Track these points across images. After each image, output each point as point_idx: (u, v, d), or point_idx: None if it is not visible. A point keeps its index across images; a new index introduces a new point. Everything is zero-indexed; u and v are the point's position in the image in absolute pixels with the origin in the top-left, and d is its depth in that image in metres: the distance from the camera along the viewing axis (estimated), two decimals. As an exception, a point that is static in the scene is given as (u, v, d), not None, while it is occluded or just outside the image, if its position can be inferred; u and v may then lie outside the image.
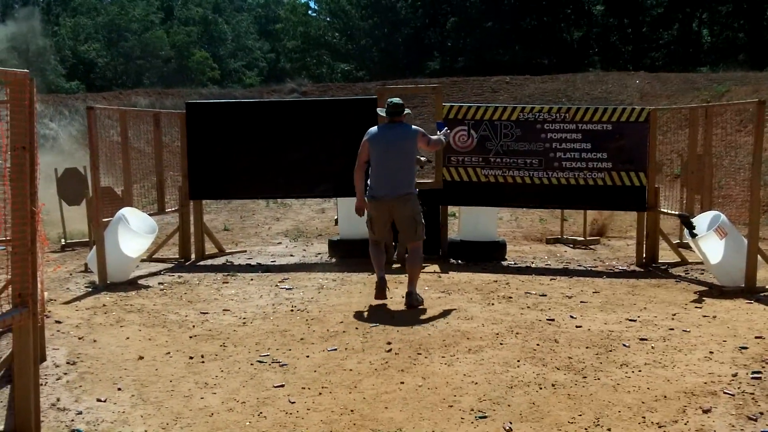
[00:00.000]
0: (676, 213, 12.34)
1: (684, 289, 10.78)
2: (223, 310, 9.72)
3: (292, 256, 13.99)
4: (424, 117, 28.11)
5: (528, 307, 9.66)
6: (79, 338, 8.39)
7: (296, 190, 13.76)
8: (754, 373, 6.92)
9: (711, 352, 7.60)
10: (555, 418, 5.90)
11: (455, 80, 37.69)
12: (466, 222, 13.42)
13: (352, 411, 6.13)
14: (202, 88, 46.01)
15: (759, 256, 10.51)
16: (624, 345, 7.86)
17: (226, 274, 12.07)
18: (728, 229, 10.71)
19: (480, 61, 52.80)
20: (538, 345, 7.90)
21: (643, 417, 5.89)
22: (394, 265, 12.33)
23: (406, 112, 10.13)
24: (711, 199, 12.28)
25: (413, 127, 10.04)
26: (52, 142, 26.98)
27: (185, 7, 77.46)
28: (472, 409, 6.11)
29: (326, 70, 63.48)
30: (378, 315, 9.28)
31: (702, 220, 11.19)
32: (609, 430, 5.66)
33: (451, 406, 6.19)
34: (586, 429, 5.68)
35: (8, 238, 5.89)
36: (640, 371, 7.03)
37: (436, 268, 12.29)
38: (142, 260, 12.54)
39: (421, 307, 9.67)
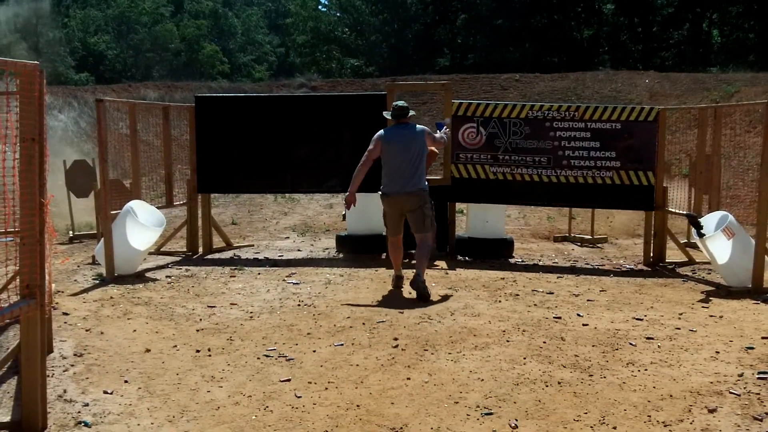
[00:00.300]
0: (684, 213, 12.34)
1: (691, 288, 10.77)
2: (230, 303, 9.73)
3: (299, 250, 13.99)
4: (433, 113, 28.08)
5: (535, 304, 9.65)
6: (87, 330, 8.41)
7: (304, 185, 13.76)
8: (760, 373, 6.91)
9: (717, 352, 7.59)
10: (561, 415, 5.91)
11: (465, 77, 37.66)
12: (473, 219, 13.41)
13: (358, 406, 6.14)
14: (211, 82, 46.03)
15: (766, 257, 10.49)
16: (630, 344, 7.86)
17: (233, 268, 12.08)
18: (736, 229, 10.70)
19: (490, 58, 52.79)
20: (544, 343, 7.90)
21: (649, 416, 5.89)
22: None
23: (411, 113, 10.68)
24: (719, 199, 12.28)
25: (419, 126, 10.57)
26: (61, 133, 26.99)
27: (195, 0, 77.45)
28: (478, 406, 6.11)
29: (336, 65, 63.43)
30: (385, 311, 9.28)
31: (710, 220, 11.17)
32: (615, 428, 5.66)
33: (457, 403, 6.20)
34: (591, 427, 5.68)
35: (17, 229, 5.90)
36: (646, 370, 7.03)
37: (443, 264, 12.29)
38: (150, 253, 12.56)
39: (428, 303, 9.67)
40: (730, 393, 6.40)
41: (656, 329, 8.44)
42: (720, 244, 10.65)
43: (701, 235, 10.84)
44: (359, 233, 13.19)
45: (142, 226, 11.32)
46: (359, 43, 63.32)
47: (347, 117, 13.13)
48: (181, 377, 6.91)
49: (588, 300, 9.95)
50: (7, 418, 5.85)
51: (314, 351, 7.67)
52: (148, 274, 11.52)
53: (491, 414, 5.94)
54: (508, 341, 7.96)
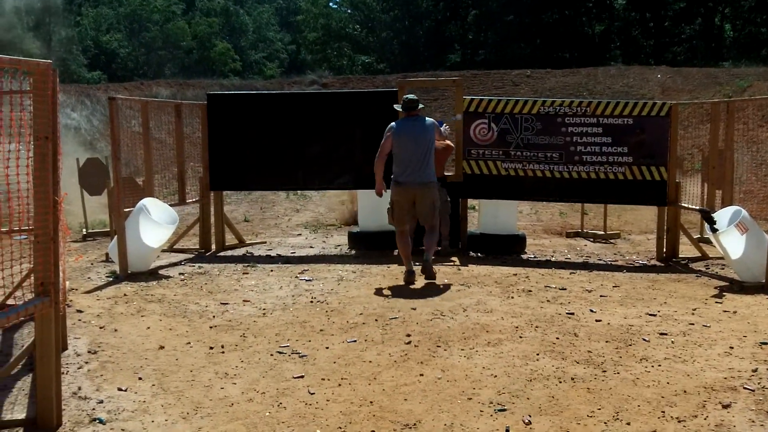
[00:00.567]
0: (697, 208, 12.31)
1: (704, 284, 10.75)
2: (243, 300, 9.75)
3: (311, 247, 14.01)
4: (444, 110, 28.06)
5: (548, 300, 9.65)
6: (101, 328, 8.44)
7: (316, 182, 13.76)
8: (774, 368, 6.91)
9: (731, 348, 7.58)
10: (574, 411, 5.90)
11: (476, 73, 37.68)
12: (485, 215, 13.42)
13: (371, 402, 6.15)
14: (223, 80, 46.09)
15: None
16: (644, 339, 7.85)
17: (246, 265, 12.10)
18: (749, 224, 10.66)
19: (501, 54, 52.75)
20: (557, 339, 7.90)
21: (663, 411, 5.89)
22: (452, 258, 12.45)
23: (420, 106, 11.03)
24: (732, 194, 12.24)
25: (428, 119, 11.05)
26: (74, 132, 27.07)
27: (206, -3, 77.61)
28: (491, 402, 6.12)
29: (347, 62, 63.42)
30: (397, 307, 9.28)
31: (723, 216, 11.14)
32: (628, 424, 5.65)
33: (470, 399, 6.20)
34: (605, 423, 5.67)
35: (31, 227, 5.92)
36: (659, 366, 7.02)
37: (455, 260, 12.29)
38: (163, 250, 12.58)
39: (440, 299, 9.68)
40: (744, 388, 6.39)
41: (670, 325, 8.43)
42: (733, 239, 10.62)
43: (714, 231, 10.82)
44: (371, 230, 13.19)
45: (155, 223, 11.34)
46: (370, 39, 63.31)
47: (358, 114, 13.13)
48: (195, 374, 6.93)
49: (601, 296, 9.94)
50: (22, 416, 5.88)
51: (327, 347, 7.68)
52: (161, 272, 11.55)
53: (504, 410, 5.95)
54: (521, 337, 7.96)
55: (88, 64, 61.74)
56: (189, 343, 7.90)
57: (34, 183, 5.57)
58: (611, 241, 14.77)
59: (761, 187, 13.68)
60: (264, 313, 9.08)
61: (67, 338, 7.66)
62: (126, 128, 16.41)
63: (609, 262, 12.44)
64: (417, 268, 10.79)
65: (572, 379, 6.66)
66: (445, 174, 12.94)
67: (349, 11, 67.08)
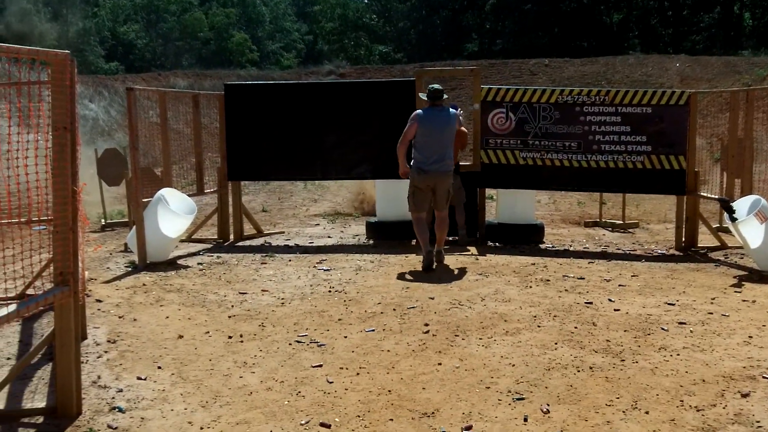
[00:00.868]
0: (716, 197, 12.27)
1: (723, 273, 10.72)
2: (262, 290, 9.77)
3: (329, 237, 14.02)
4: (462, 99, 28.01)
5: (566, 290, 9.64)
6: (120, 317, 8.47)
7: (333, 172, 13.77)
8: (793, 357, 6.90)
9: (750, 337, 7.56)
10: (592, 400, 5.90)
11: (493, 63, 37.61)
12: (503, 204, 13.40)
13: (389, 391, 6.16)
14: (240, 70, 46.11)
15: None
16: (662, 329, 7.84)
17: (264, 254, 12.12)
18: (768, 213, 10.64)
19: (518, 43, 52.60)
20: (575, 328, 7.89)
21: (681, 400, 5.88)
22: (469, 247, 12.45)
23: (445, 96, 11.20)
24: (751, 183, 12.20)
25: (452, 110, 11.23)
26: (92, 122, 27.14)
27: (223, -12, 77.72)
28: (510, 391, 6.12)
29: (364, 52, 63.35)
30: (415, 297, 9.29)
31: (742, 205, 11.10)
32: (647, 413, 5.65)
33: (489, 388, 6.20)
34: (623, 412, 5.67)
35: (50, 217, 5.95)
36: (678, 355, 7.01)
37: (473, 250, 12.29)
38: (182, 241, 12.61)
39: (458, 289, 9.68)
40: (764, 378, 6.37)
41: (688, 314, 8.41)
42: (752, 229, 10.58)
43: (733, 220, 10.77)
44: (389, 220, 13.19)
45: (174, 213, 11.36)
46: (387, 29, 63.22)
47: (376, 104, 13.13)
48: (214, 363, 6.95)
49: (619, 285, 9.92)
50: (42, 404, 5.91)
51: (345, 337, 7.69)
52: (179, 262, 11.58)
53: (523, 399, 5.94)
54: (539, 326, 7.96)
55: (106, 55, 61.95)
56: (208, 332, 7.92)
57: (52, 173, 5.59)
58: (630, 230, 14.74)
59: (781, 176, 13.61)
60: (282, 303, 9.10)
61: (86, 328, 7.69)
62: (144, 119, 16.48)
63: (627, 252, 12.42)
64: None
65: (590, 368, 6.66)
66: (462, 163, 12.92)
67: (365, 1, 67.17)
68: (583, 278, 10.30)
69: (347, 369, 6.73)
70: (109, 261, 11.67)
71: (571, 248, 12.73)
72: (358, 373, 6.61)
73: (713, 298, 9.14)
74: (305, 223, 16.04)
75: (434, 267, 11.00)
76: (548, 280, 10.16)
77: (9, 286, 8.20)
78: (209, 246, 13.05)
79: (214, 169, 14.23)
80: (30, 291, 8.64)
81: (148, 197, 11.54)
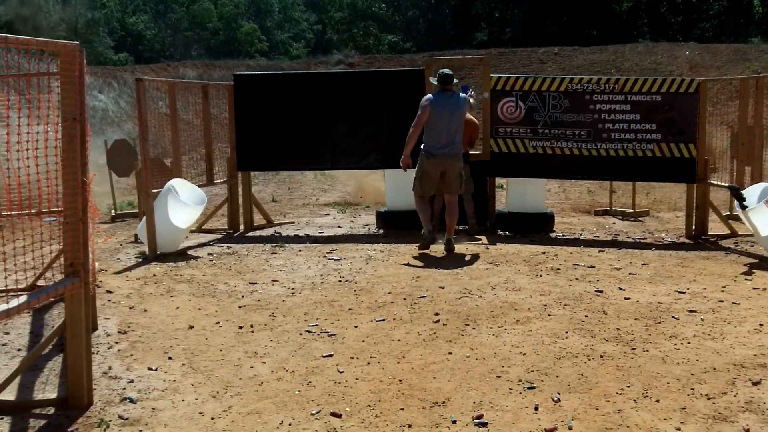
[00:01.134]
0: (726, 185, 12.24)
1: (734, 261, 10.70)
2: (272, 280, 9.77)
3: (339, 227, 14.03)
4: (472, 88, 27.96)
5: (576, 278, 9.63)
6: (130, 308, 8.48)
7: (343, 162, 13.78)
8: (804, 345, 6.88)
9: (761, 325, 7.55)
10: (603, 389, 5.90)
11: (503, 51, 37.59)
12: (513, 193, 13.39)
13: (400, 381, 6.16)
14: (249, 60, 46.11)
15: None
16: (673, 317, 7.83)
17: (274, 245, 12.12)
18: (779, 201, 10.61)
19: (528, 32, 52.53)
20: (586, 316, 7.89)
21: (692, 389, 5.87)
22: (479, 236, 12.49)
23: (455, 81, 11.42)
24: (761, 170, 12.17)
25: (461, 95, 11.47)
26: (101, 113, 27.17)
27: (232, -22, 77.69)
28: (521, 380, 6.12)
29: (373, 41, 63.27)
30: (426, 286, 9.29)
31: (752, 192, 11.07)
32: (657, 401, 5.64)
33: (499, 377, 6.20)
34: (634, 400, 5.66)
35: (60, 208, 5.95)
36: (689, 343, 7.00)
37: (484, 239, 12.28)
38: (192, 231, 12.62)
39: (469, 278, 9.68)
40: (774, 365, 6.38)
41: (699, 302, 8.40)
42: (763, 216, 10.55)
43: (744, 207, 10.75)
44: (399, 209, 13.18)
45: (184, 204, 11.37)
46: (396, 18, 63.15)
47: (385, 93, 13.12)
48: (225, 353, 6.96)
49: (630, 273, 9.91)
50: (53, 395, 5.92)
51: (356, 326, 7.70)
52: (190, 252, 11.59)
53: (534, 388, 5.94)
54: (549, 315, 7.95)
55: (115, 46, 61.98)
56: (218, 322, 7.93)
57: (62, 164, 5.59)
58: (640, 218, 14.72)
59: (791, 164, 13.56)
60: (293, 293, 9.11)
61: (97, 318, 7.71)
62: (153, 110, 16.46)
63: (638, 240, 12.40)
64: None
65: (601, 356, 6.65)
66: (471, 152, 12.90)
67: (374, -10, 66.94)
68: (594, 267, 10.29)
69: (358, 359, 6.74)
70: (120, 252, 11.69)
71: (582, 237, 12.72)
72: (368, 363, 6.62)
73: (724, 286, 9.12)
74: (315, 213, 16.05)
75: (430, 249, 11.44)
76: (559, 269, 10.16)
77: (20, 278, 8.22)
78: (219, 236, 13.07)
79: (223, 159, 14.24)
80: (41, 282, 8.66)
81: (158, 188, 11.54)
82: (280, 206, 17.16)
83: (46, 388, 6.13)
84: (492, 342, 7.11)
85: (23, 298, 5.20)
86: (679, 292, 8.83)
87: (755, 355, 6.62)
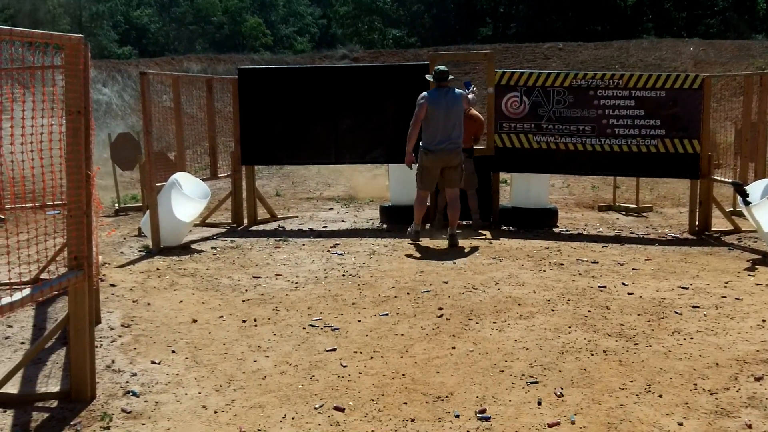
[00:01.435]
0: (730, 181, 12.23)
1: (737, 257, 10.70)
2: (276, 274, 9.78)
3: (343, 221, 14.03)
4: (476, 83, 27.80)
5: (579, 274, 9.63)
6: (134, 301, 8.49)
7: (347, 157, 13.79)
8: (808, 341, 6.88)
9: (764, 320, 7.55)
10: (606, 384, 5.90)
11: (507, 46, 37.55)
12: (517, 189, 13.39)
13: (403, 375, 6.17)
14: (253, 54, 46.09)
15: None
16: (676, 312, 7.83)
17: (278, 239, 12.13)
18: (783, 197, 10.61)
19: (532, 27, 52.48)
20: (589, 312, 7.89)
21: (695, 384, 5.87)
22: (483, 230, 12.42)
23: (450, 77, 11.66)
24: (765, 166, 12.16)
25: (457, 90, 11.60)
26: (105, 107, 27.17)
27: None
28: (523, 375, 6.12)
29: (378, 36, 63.15)
30: (429, 281, 9.29)
31: (756, 188, 11.07)
32: (660, 396, 5.64)
33: (502, 372, 6.21)
34: (637, 395, 5.67)
35: (64, 201, 5.95)
36: (692, 338, 7.00)
37: (487, 234, 12.28)
38: (195, 225, 12.63)
39: (472, 272, 9.68)
40: (777, 361, 6.38)
41: (702, 298, 8.40)
42: (766, 212, 10.55)
43: (747, 203, 10.75)
44: (403, 204, 13.18)
45: (187, 198, 11.38)
46: (401, 13, 63.06)
47: (390, 88, 13.13)
48: (228, 347, 6.97)
49: (633, 269, 9.91)
50: (56, 388, 5.93)
51: (359, 321, 7.71)
52: (193, 246, 11.60)
53: (536, 382, 5.95)
54: (552, 310, 7.96)
55: (119, 40, 61.98)
56: (222, 316, 7.94)
57: (66, 157, 5.59)
58: (643, 214, 14.72)
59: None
60: (296, 287, 9.11)
61: (100, 312, 7.71)
62: (157, 103, 16.44)
63: (641, 236, 12.40)
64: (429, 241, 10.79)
65: (604, 351, 6.65)
66: (476, 147, 12.90)
67: (379, -15, 66.85)
68: (597, 262, 10.29)
69: (361, 353, 6.74)
70: (123, 245, 11.70)
71: (585, 232, 12.71)
72: (372, 357, 6.62)
73: (727, 282, 9.12)
74: (319, 208, 16.06)
75: (433, 244, 11.60)
76: (562, 264, 10.16)
77: (23, 271, 8.22)
78: (223, 230, 13.08)
79: (227, 153, 14.25)
80: (44, 275, 8.66)
81: (162, 182, 11.55)
82: (284, 200, 17.18)
83: (50, 382, 6.14)
84: (495, 337, 7.12)
85: (26, 291, 5.20)
86: (682, 288, 8.83)
87: (758, 351, 6.62)
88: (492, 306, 8.12)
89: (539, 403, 5.55)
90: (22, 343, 7.11)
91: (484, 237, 12.08)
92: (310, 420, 5.35)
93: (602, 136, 12.53)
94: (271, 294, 8.79)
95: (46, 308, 8.09)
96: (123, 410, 5.53)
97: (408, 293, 8.71)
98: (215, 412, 5.50)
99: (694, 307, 8.02)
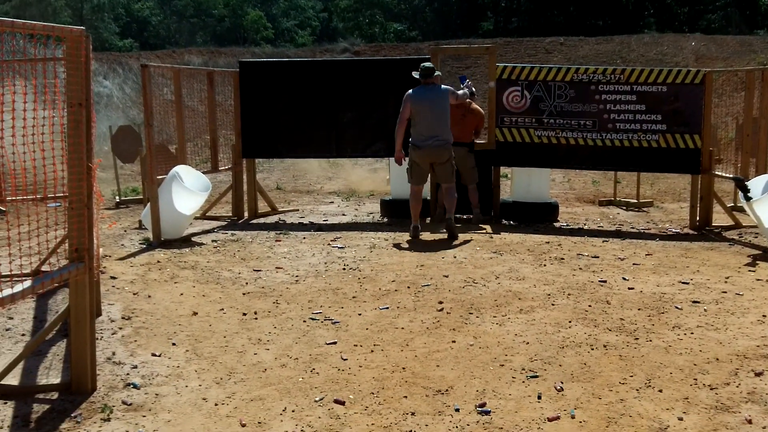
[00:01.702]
0: (731, 176, 12.23)
1: (737, 252, 10.70)
2: (276, 267, 9.79)
3: (344, 215, 14.04)
4: (477, 77, 27.93)
5: (580, 268, 9.64)
6: (134, 294, 8.50)
7: (349, 150, 13.81)
8: (808, 337, 6.88)
9: (764, 316, 7.55)
10: (606, 378, 5.91)
11: (509, 41, 37.49)
12: (518, 183, 13.39)
13: (403, 369, 6.17)
14: (254, 47, 46.05)
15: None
16: (676, 307, 7.83)
17: (278, 232, 12.13)
18: (784, 192, 10.60)
19: (534, 21, 52.45)
20: (589, 306, 7.89)
21: (695, 379, 5.88)
22: (484, 225, 12.42)
23: (436, 74, 11.79)
24: (766, 162, 12.15)
25: (443, 86, 11.76)
26: (106, 100, 27.17)
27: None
28: (524, 369, 6.13)
29: (379, 29, 63.13)
30: (430, 275, 9.30)
31: (757, 184, 11.07)
32: (660, 391, 5.65)
33: (503, 366, 6.21)
34: (637, 390, 5.67)
35: (65, 194, 5.95)
36: (692, 333, 7.00)
37: (488, 228, 12.28)
38: (196, 218, 12.63)
39: (473, 267, 9.68)
40: (778, 356, 6.38)
41: (702, 293, 8.40)
42: (767, 208, 10.56)
43: (748, 199, 10.75)
44: (403, 198, 13.17)
45: (188, 191, 11.38)
46: (402, 7, 63.01)
47: (391, 81, 13.11)
48: (228, 340, 6.97)
49: (633, 264, 9.91)
50: (57, 380, 5.93)
51: (360, 314, 7.71)
52: (194, 239, 11.61)
53: (537, 377, 5.95)
54: (553, 305, 7.96)
55: (120, 32, 61.96)
56: (222, 309, 7.95)
57: (67, 150, 5.59)
58: (644, 209, 14.71)
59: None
60: (297, 280, 9.12)
61: (101, 304, 7.71)
62: (158, 96, 16.46)
63: (642, 231, 12.40)
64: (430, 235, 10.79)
65: (604, 346, 6.66)
66: (477, 141, 12.89)
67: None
68: (598, 257, 10.29)
69: (361, 346, 6.75)
70: (124, 238, 11.71)
71: (586, 227, 12.71)
72: (372, 351, 6.63)
73: (727, 277, 9.12)
74: (319, 201, 16.07)
75: (419, 236, 11.64)
76: (562, 259, 10.16)
77: (24, 263, 8.23)
78: (223, 223, 13.09)
79: (228, 146, 14.25)
80: (45, 267, 8.66)
81: (163, 174, 11.55)
82: (285, 194, 17.18)
83: (50, 373, 6.14)
84: (495, 331, 7.12)
85: (27, 283, 5.21)
86: (683, 283, 8.83)
87: (758, 346, 6.63)
88: (492, 300, 8.12)
89: (539, 398, 5.56)
90: (23, 335, 7.12)
91: (484, 231, 12.07)
92: (311, 413, 5.35)
93: (603, 130, 12.53)
94: (272, 287, 8.80)
95: (46, 300, 8.09)
96: (123, 402, 5.53)
97: (408, 287, 8.72)
98: (215, 405, 5.51)
99: (694, 302, 8.02)
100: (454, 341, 6.84)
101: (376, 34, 61.16)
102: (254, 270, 9.66)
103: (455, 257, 10.21)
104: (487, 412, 5.31)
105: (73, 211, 5.61)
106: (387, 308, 7.88)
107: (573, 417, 5.23)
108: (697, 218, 12.54)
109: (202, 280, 9.14)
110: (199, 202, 11.77)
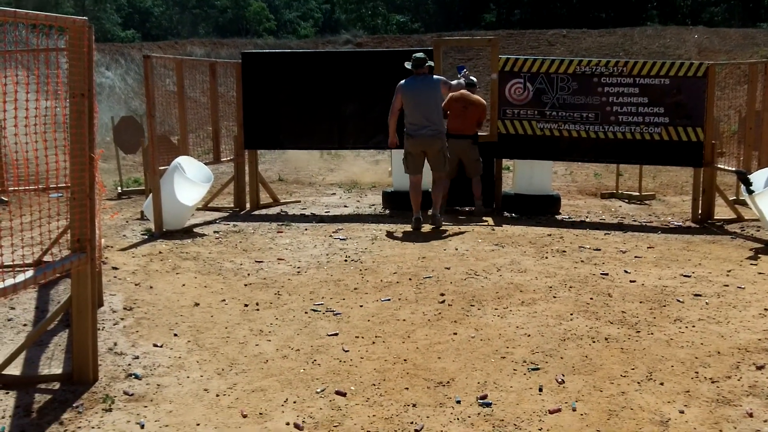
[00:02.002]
0: (733, 169, 12.22)
1: (739, 245, 10.69)
2: (278, 259, 9.79)
3: (345, 207, 14.04)
4: (480, 69, 27.89)
5: (582, 261, 9.63)
6: (136, 284, 8.50)
7: (351, 141, 13.82)
8: (809, 330, 6.88)
9: (766, 309, 7.55)
10: (608, 371, 5.91)
11: (511, 33, 37.39)
12: (520, 175, 13.38)
13: (405, 360, 6.17)
14: (257, 39, 46.00)
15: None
16: (678, 300, 7.83)
17: (280, 223, 12.13)
18: (786, 186, 10.60)
19: (537, 13, 52.33)
20: (591, 299, 7.90)
21: (696, 372, 5.88)
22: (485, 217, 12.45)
23: (428, 64, 11.90)
24: (769, 155, 12.16)
25: (435, 76, 11.85)
26: (108, 90, 27.15)
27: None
28: (525, 361, 6.13)
29: (381, 21, 63.02)
30: (431, 267, 9.29)
31: (759, 177, 11.07)
32: (662, 384, 5.65)
33: (504, 358, 6.22)
34: (638, 383, 5.67)
35: (67, 184, 5.95)
36: (693, 327, 7.00)
37: (490, 221, 12.28)
38: (198, 209, 12.63)
39: (474, 259, 9.69)
40: (779, 350, 6.38)
41: (704, 286, 8.40)
42: (769, 201, 10.57)
43: (750, 192, 10.74)
44: (405, 189, 13.15)
45: (190, 181, 11.37)
46: (405, -2, 62.96)
47: (394, 73, 13.07)
48: (230, 331, 6.98)
49: (635, 256, 9.91)
50: (59, 370, 5.94)
51: (361, 306, 7.71)
52: (196, 230, 11.60)
53: (538, 369, 5.96)
54: (554, 297, 7.96)
55: (122, 23, 61.93)
56: (224, 300, 7.95)
57: (70, 140, 5.59)
58: (646, 202, 14.71)
59: (799, 149, 13.53)
60: (298, 272, 9.12)
61: (102, 295, 7.71)
62: (160, 87, 16.43)
63: (644, 224, 12.39)
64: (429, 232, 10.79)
65: (606, 339, 6.66)
66: (479, 133, 12.87)
67: (383, -30, 66.68)
68: (599, 249, 10.29)
69: (363, 338, 6.75)
70: (126, 228, 11.71)
71: (588, 219, 12.71)
72: (373, 342, 6.63)
73: (729, 271, 9.12)
74: (321, 193, 16.06)
75: (420, 228, 11.67)
76: (564, 251, 10.16)
77: (26, 253, 8.23)
78: (225, 214, 13.09)
79: (230, 137, 14.25)
80: (47, 258, 8.66)
81: (165, 165, 11.55)
82: (287, 185, 17.17)
83: (52, 364, 6.15)
84: (497, 323, 7.12)
85: (29, 274, 5.21)
86: (685, 276, 8.83)
87: (759, 340, 6.63)
88: (494, 292, 8.12)
89: (540, 390, 5.56)
90: (25, 325, 7.12)
91: (486, 223, 12.07)
92: (312, 404, 5.36)
93: (606, 123, 12.53)
94: (274, 278, 8.80)
95: (48, 291, 8.10)
96: (125, 393, 5.54)
97: (410, 279, 8.72)
98: (217, 396, 5.51)
99: (696, 295, 8.03)
100: (455, 333, 6.84)
101: (379, 26, 61.06)
102: (256, 261, 9.66)
103: (457, 249, 10.21)
104: (489, 404, 5.31)
105: (75, 202, 5.61)
106: (388, 300, 7.89)
107: (574, 409, 5.23)
108: (699, 211, 12.54)
109: (204, 271, 9.14)
110: (201, 193, 11.77)
